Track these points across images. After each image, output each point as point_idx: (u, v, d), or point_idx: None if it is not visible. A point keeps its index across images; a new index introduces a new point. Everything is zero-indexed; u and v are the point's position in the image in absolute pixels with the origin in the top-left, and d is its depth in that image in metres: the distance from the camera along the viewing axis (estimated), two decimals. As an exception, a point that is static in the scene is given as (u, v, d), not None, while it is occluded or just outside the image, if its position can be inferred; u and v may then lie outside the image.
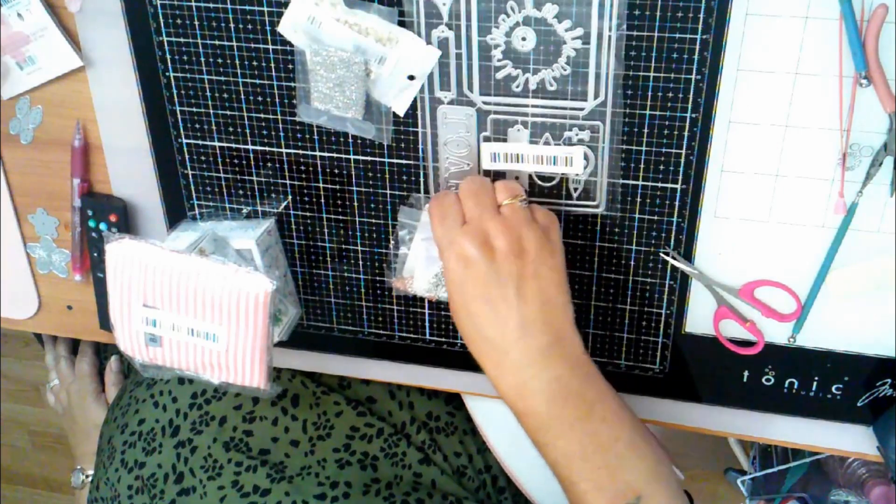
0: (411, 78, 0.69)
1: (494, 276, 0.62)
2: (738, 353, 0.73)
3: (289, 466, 0.79)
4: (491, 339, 0.63)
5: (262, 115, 0.74)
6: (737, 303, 0.72)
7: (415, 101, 0.70)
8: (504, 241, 0.62)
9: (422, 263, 0.70)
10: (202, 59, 0.73)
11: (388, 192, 0.75)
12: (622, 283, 0.74)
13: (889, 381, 0.71)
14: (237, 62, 0.73)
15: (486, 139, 0.71)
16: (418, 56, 0.68)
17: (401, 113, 0.71)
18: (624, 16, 0.63)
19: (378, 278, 0.80)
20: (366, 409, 0.84)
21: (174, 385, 0.85)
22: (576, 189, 0.71)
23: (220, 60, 0.73)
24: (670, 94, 0.65)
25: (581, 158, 0.69)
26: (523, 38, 0.66)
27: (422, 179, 0.74)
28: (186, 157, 0.78)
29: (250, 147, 0.76)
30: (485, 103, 0.69)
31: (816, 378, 0.73)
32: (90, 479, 1.03)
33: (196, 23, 0.72)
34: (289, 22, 0.69)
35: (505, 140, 0.70)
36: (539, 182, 0.71)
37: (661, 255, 0.71)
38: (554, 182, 0.71)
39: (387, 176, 0.74)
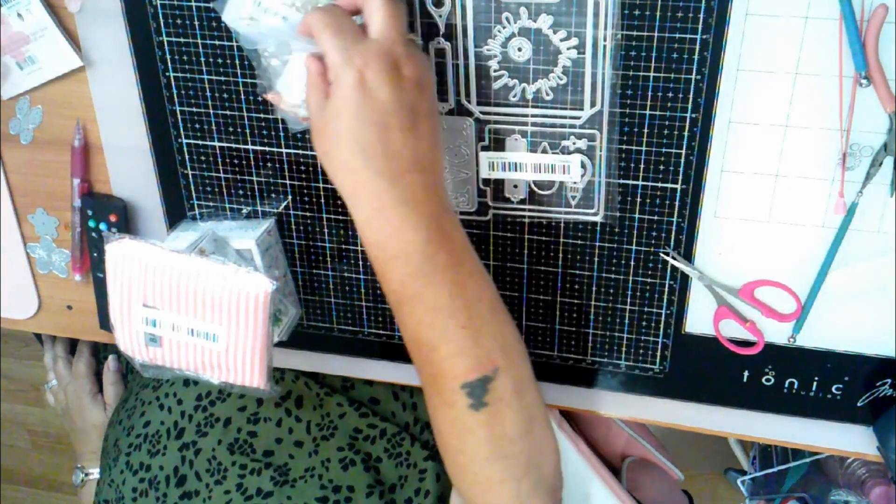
0: None
1: (398, 105, 0.57)
2: (738, 353, 0.73)
3: (293, 468, 0.79)
4: (379, 171, 0.58)
5: (262, 115, 0.74)
6: (737, 303, 0.72)
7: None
8: (412, 70, 0.58)
9: (297, 76, 0.62)
10: (202, 59, 0.73)
11: (388, 192, 0.75)
12: (622, 283, 0.74)
13: (889, 381, 0.71)
14: (237, 62, 0.73)
15: (485, 148, 0.71)
16: None
17: None
18: (619, 25, 0.63)
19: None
20: (369, 411, 0.84)
21: (179, 387, 0.85)
22: (574, 197, 0.71)
23: (220, 60, 0.73)
24: (670, 95, 0.65)
25: (578, 166, 0.69)
26: (519, 49, 0.66)
27: (422, 179, 0.74)
28: (186, 157, 0.78)
29: (250, 147, 0.76)
30: (483, 113, 0.69)
31: (816, 378, 0.73)
32: (90, 477, 1.03)
33: (196, 23, 0.72)
34: (233, 9, 0.66)
35: (503, 149, 0.70)
36: (537, 190, 0.71)
37: (662, 255, 0.71)
38: (552, 190, 0.71)
39: (387, 176, 0.74)
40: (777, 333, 0.72)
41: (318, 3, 0.66)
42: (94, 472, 1.02)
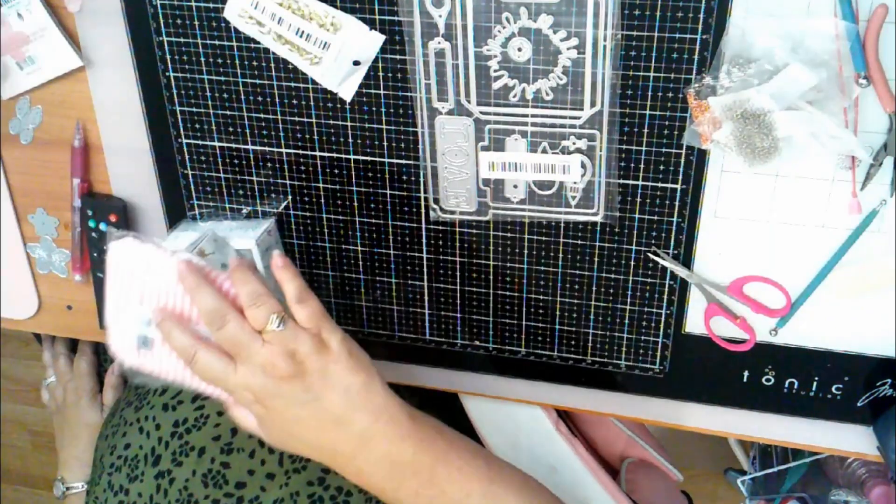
0: (356, 63, 0.69)
1: (291, 400, 0.62)
2: (734, 352, 0.73)
3: (264, 501, 0.78)
4: (319, 447, 0.64)
5: (262, 115, 0.74)
6: (726, 300, 0.72)
7: (411, 100, 0.70)
8: (283, 367, 0.61)
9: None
10: (202, 59, 0.73)
11: (388, 192, 0.75)
12: (622, 283, 0.74)
13: (889, 381, 0.71)
14: (237, 62, 0.73)
15: (485, 148, 0.71)
16: (362, 41, 0.68)
17: (347, 98, 0.71)
18: (619, 24, 0.63)
19: (378, 278, 0.80)
20: None
21: (158, 411, 0.84)
22: (574, 197, 0.71)
23: (220, 60, 0.73)
24: (670, 95, 0.65)
25: (578, 166, 0.69)
26: (519, 49, 0.66)
27: (422, 179, 0.74)
28: (186, 157, 0.78)
29: (250, 147, 0.76)
30: (482, 113, 0.69)
31: (816, 378, 0.73)
32: (71, 491, 1.01)
33: (196, 23, 0.72)
34: (234, 8, 0.68)
35: (503, 149, 0.70)
36: (537, 190, 0.71)
37: (650, 254, 0.71)
38: (552, 190, 0.71)
39: (387, 176, 0.74)
40: (771, 332, 0.72)
41: (308, 2, 0.66)
42: (76, 486, 1.01)
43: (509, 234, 0.74)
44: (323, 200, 0.77)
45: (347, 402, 0.62)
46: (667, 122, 0.66)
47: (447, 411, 0.90)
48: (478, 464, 0.65)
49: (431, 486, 0.63)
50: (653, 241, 0.71)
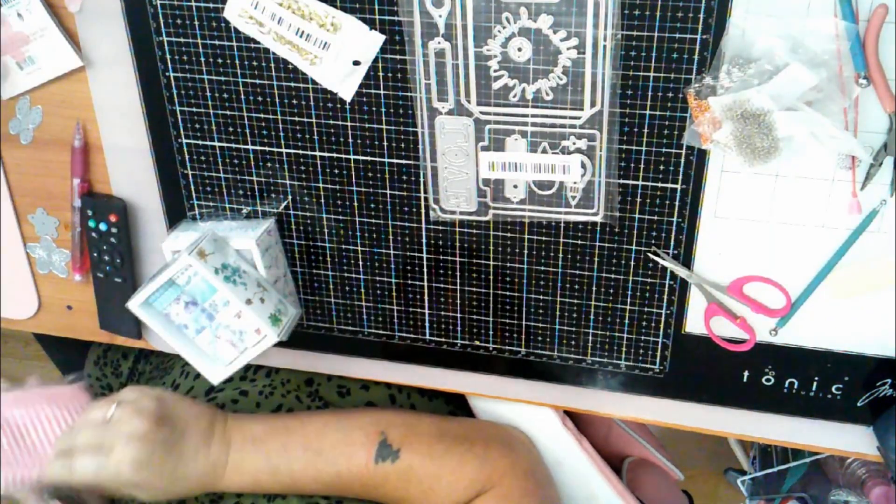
0: (356, 63, 0.69)
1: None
2: (735, 352, 0.73)
3: None
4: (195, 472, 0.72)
5: (262, 115, 0.74)
6: (726, 300, 0.72)
7: (412, 101, 0.70)
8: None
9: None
10: (202, 59, 0.73)
11: (388, 192, 0.75)
12: (622, 283, 0.74)
13: (889, 381, 0.71)
14: (237, 62, 0.73)
15: (485, 148, 0.71)
16: (362, 41, 0.68)
17: (347, 98, 0.71)
18: (619, 25, 0.63)
19: (378, 278, 0.80)
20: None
21: None
22: (574, 197, 0.71)
23: (220, 60, 0.73)
24: (670, 95, 0.65)
25: (578, 166, 0.69)
26: (519, 49, 0.66)
27: (422, 179, 0.74)
28: (186, 157, 0.78)
29: (250, 147, 0.76)
30: (482, 113, 0.69)
31: (816, 378, 0.73)
32: None
33: (196, 23, 0.72)
34: (234, 8, 0.68)
35: (503, 149, 0.70)
36: (537, 190, 0.71)
37: (650, 254, 0.71)
38: (552, 190, 0.71)
39: (387, 176, 0.74)
40: (771, 332, 0.72)
41: (308, 2, 0.66)
42: None
43: (509, 234, 0.74)
44: (323, 200, 0.77)
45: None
46: (667, 122, 0.66)
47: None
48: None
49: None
50: (653, 241, 0.71)
